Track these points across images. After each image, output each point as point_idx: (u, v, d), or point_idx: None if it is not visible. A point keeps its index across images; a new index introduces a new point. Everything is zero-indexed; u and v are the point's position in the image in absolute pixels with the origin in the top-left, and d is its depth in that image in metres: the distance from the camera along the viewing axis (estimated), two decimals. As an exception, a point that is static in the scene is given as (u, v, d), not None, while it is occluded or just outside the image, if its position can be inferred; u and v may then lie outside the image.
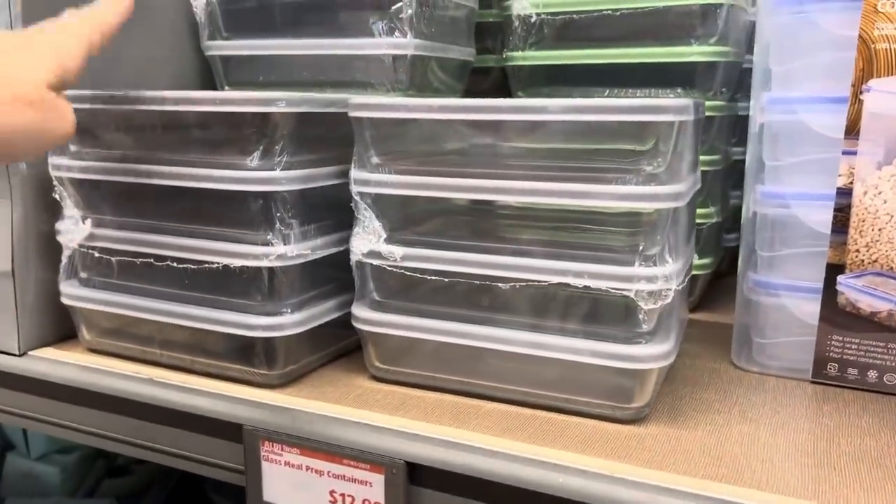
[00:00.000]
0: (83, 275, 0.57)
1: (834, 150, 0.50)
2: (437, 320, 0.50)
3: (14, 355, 0.57)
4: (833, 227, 0.51)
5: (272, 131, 0.48)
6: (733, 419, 0.47)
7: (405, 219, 0.50)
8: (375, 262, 0.50)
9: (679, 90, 0.69)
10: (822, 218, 0.51)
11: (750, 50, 0.76)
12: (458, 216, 0.50)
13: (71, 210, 0.55)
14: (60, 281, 0.57)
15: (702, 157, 0.68)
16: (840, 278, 0.51)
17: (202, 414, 0.50)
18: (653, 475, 0.40)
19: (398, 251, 0.49)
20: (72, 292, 0.56)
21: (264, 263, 0.48)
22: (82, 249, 0.55)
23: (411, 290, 0.51)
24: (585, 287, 0.44)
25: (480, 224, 0.49)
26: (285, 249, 0.48)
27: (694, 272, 0.70)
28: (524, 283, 0.46)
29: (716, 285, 0.76)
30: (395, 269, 0.50)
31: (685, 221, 0.46)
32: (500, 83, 0.80)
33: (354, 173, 0.50)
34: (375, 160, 0.50)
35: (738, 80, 0.72)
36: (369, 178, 0.49)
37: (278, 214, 0.48)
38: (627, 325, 0.45)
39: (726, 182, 0.75)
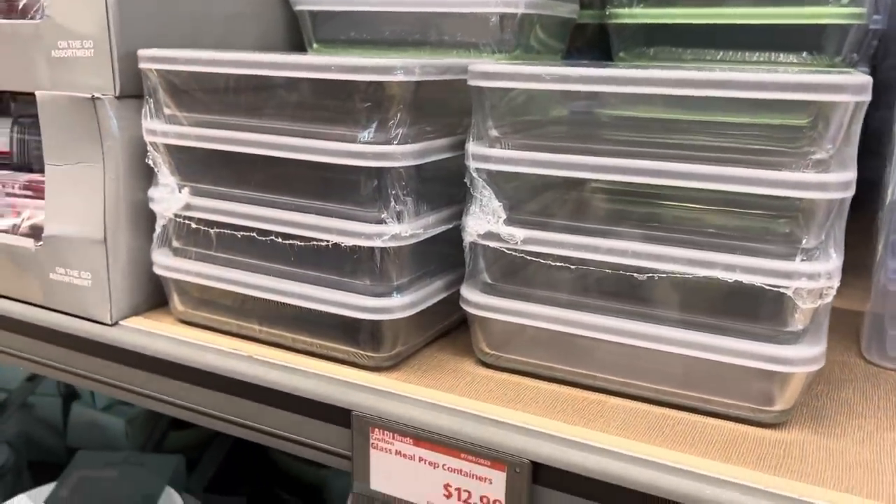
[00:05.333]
0: (177, 244, 0.54)
1: None
2: (555, 308, 0.46)
3: (105, 325, 0.56)
4: None
5: (388, 102, 0.44)
6: (882, 426, 0.44)
7: (525, 197, 0.47)
8: (493, 244, 0.46)
9: (805, 55, 0.63)
10: None
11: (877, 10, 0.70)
12: (589, 193, 0.46)
13: (166, 178, 0.52)
14: (153, 250, 0.55)
15: (825, 129, 0.63)
16: None
17: (308, 396, 0.48)
18: (811, 491, 0.37)
19: (519, 234, 0.45)
20: (165, 262, 0.54)
21: (377, 244, 0.45)
22: (178, 219, 0.53)
23: (526, 273, 0.48)
24: (735, 282, 0.40)
25: (613, 206, 0.45)
26: (399, 229, 0.45)
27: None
28: (665, 276, 0.42)
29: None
30: (513, 253, 0.46)
31: (847, 212, 0.41)
32: (595, 41, 0.75)
33: (473, 148, 0.46)
34: (494, 133, 0.46)
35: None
36: (489, 154, 0.45)
37: (393, 192, 0.45)
38: (777, 324, 0.41)
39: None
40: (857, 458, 0.40)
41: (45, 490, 0.90)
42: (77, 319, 0.57)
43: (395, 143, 0.44)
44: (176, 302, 0.56)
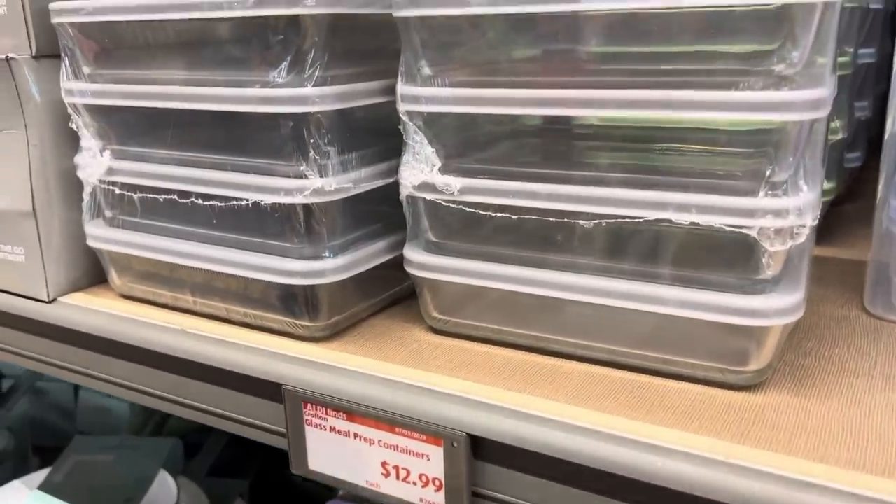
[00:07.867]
0: (108, 214, 0.51)
1: None
2: (504, 265, 0.41)
3: (43, 302, 0.53)
4: None
5: (301, 38, 0.39)
6: (876, 385, 0.38)
7: (464, 143, 0.42)
8: (429, 196, 0.42)
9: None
10: None
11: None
12: (530, 139, 0.41)
13: (89, 141, 0.49)
14: (85, 221, 0.51)
15: (826, 60, 0.57)
16: None
17: (239, 371, 0.44)
18: (779, 461, 0.32)
19: (456, 183, 0.41)
20: (96, 233, 0.51)
21: (298, 200, 0.41)
22: (103, 185, 0.49)
23: (473, 229, 0.43)
24: (692, 224, 0.35)
25: (557, 148, 0.40)
26: (322, 183, 0.41)
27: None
28: (613, 220, 0.37)
29: (835, 214, 0.65)
30: (452, 205, 0.41)
31: (823, 138, 0.36)
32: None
33: (402, 88, 0.41)
34: (427, 71, 0.41)
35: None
36: (420, 94, 0.40)
37: (312, 141, 0.40)
38: (746, 271, 0.36)
39: (852, 90, 0.63)
40: (840, 422, 0.34)
41: (41, 475, 0.89)
42: (15, 297, 0.54)
43: (311, 84, 0.40)
44: (113, 275, 0.52)
